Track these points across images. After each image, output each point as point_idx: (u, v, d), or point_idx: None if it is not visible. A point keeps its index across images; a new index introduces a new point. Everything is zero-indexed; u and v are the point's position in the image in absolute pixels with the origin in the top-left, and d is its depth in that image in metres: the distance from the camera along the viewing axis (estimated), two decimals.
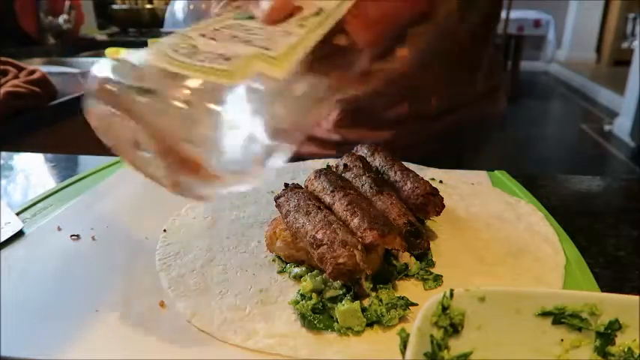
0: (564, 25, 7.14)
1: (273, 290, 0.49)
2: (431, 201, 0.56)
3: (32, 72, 1.39)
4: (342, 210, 0.50)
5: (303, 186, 0.58)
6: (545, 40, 5.46)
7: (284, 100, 0.41)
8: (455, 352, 0.35)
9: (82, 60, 2.20)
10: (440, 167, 0.77)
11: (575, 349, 0.36)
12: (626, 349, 0.35)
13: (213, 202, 0.60)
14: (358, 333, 0.43)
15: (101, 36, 2.82)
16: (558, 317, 0.36)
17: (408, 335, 0.33)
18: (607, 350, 0.36)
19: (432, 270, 0.51)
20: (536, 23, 5.43)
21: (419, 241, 0.52)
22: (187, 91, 0.36)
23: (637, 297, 0.36)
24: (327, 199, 0.53)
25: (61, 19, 2.44)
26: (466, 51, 0.80)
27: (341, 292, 0.45)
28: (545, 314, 0.36)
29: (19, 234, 0.60)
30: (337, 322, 0.43)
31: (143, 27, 2.99)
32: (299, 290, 0.47)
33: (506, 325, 0.36)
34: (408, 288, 0.49)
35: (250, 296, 0.48)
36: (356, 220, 0.48)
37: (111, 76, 0.39)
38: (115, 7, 3.05)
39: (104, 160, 0.84)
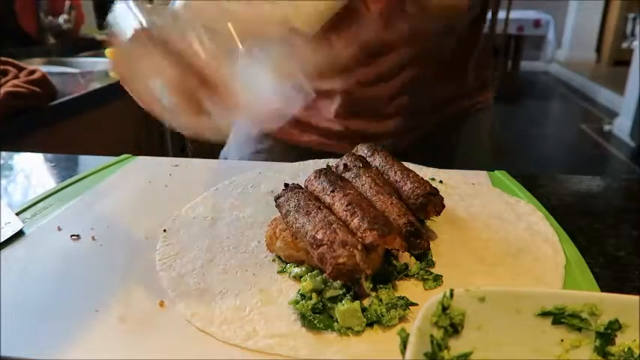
0: (564, 25, 7.14)
1: (273, 290, 0.49)
2: (431, 201, 0.56)
3: (32, 72, 1.39)
4: (342, 210, 0.50)
5: (303, 186, 0.58)
6: (545, 40, 5.47)
7: (302, 56, 0.47)
8: (455, 352, 0.35)
9: (82, 60, 2.20)
10: (437, 161, 0.78)
11: (575, 349, 0.36)
12: (626, 349, 0.35)
13: (226, 136, 0.60)
14: (358, 333, 0.43)
15: (101, 36, 2.82)
16: (558, 317, 0.36)
17: (408, 335, 0.33)
18: (607, 350, 0.36)
19: (432, 270, 0.51)
20: (536, 23, 5.43)
21: (419, 241, 0.52)
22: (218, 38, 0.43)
23: (637, 297, 0.36)
24: (327, 199, 0.53)
25: (61, 19, 2.44)
26: (461, 46, 0.84)
27: (341, 292, 0.45)
28: (545, 314, 0.36)
29: (19, 234, 0.60)
30: (337, 322, 0.43)
31: None
32: (299, 290, 0.47)
33: (506, 325, 0.36)
34: (408, 288, 0.49)
35: (250, 296, 0.48)
36: (356, 221, 0.48)
37: (146, 22, 0.43)
38: None
39: (104, 160, 0.84)
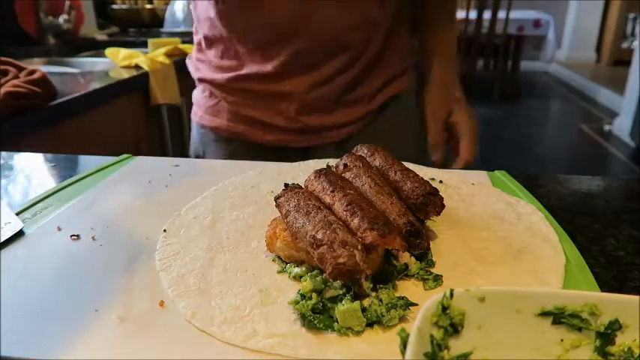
0: (564, 25, 7.14)
1: (273, 290, 0.49)
2: (431, 201, 0.56)
3: (32, 72, 1.39)
4: (342, 210, 0.50)
5: (303, 186, 0.58)
6: (545, 40, 5.46)
7: None
8: (455, 352, 0.35)
9: (82, 60, 2.20)
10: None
11: (575, 349, 0.36)
12: (626, 349, 0.35)
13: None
14: (358, 333, 0.43)
15: (101, 36, 2.82)
16: (558, 317, 0.36)
17: (408, 335, 0.33)
18: (607, 350, 0.36)
19: (432, 270, 0.51)
20: (536, 23, 5.43)
21: (419, 241, 0.52)
22: None
23: (637, 297, 0.36)
24: (327, 199, 0.53)
25: (61, 19, 2.44)
26: (391, 37, 0.99)
27: (341, 292, 0.45)
28: (545, 314, 0.36)
29: (19, 234, 0.60)
30: (337, 322, 0.43)
31: (143, 27, 2.99)
32: (299, 290, 0.47)
33: (506, 325, 0.36)
34: (408, 288, 0.49)
35: (250, 296, 0.48)
36: (356, 221, 0.48)
37: None
38: (115, 7, 3.05)
39: (104, 160, 0.84)
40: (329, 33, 0.90)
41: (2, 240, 0.58)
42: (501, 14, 5.20)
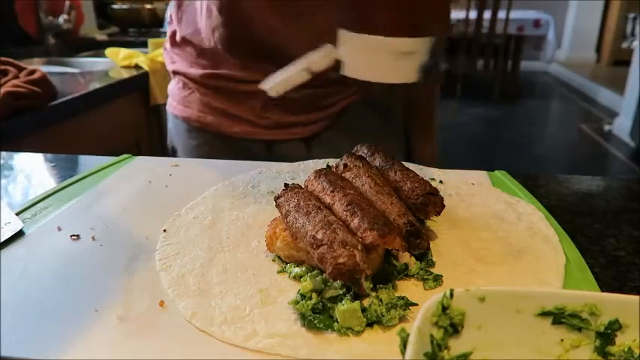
0: (564, 25, 7.14)
1: (273, 290, 0.49)
2: (431, 201, 0.56)
3: (32, 72, 1.39)
4: (342, 210, 0.50)
5: (303, 186, 0.58)
6: (545, 40, 5.46)
7: None
8: (455, 352, 0.35)
9: (82, 60, 2.20)
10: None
11: (575, 349, 0.36)
12: (626, 349, 0.35)
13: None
14: (358, 333, 0.43)
15: (101, 36, 2.82)
16: (558, 317, 0.36)
17: (408, 335, 0.33)
18: (607, 350, 0.36)
19: (432, 270, 0.51)
20: (536, 23, 5.43)
21: (419, 241, 0.52)
22: None
23: (637, 297, 0.36)
24: (327, 199, 0.53)
25: (61, 19, 2.44)
26: None
27: (341, 292, 0.45)
28: (545, 314, 0.36)
29: (19, 234, 0.60)
30: (337, 322, 0.43)
31: (143, 27, 2.99)
32: (299, 290, 0.47)
33: (506, 325, 0.36)
34: (408, 288, 0.49)
35: (250, 296, 0.48)
36: (356, 221, 0.48)
37: None
38: (115, 7, 3.04)
39: (104, 160, 0.84)
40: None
41: (2, 240, 0.58)
42: (501, 14, 5.20)
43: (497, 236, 0.58)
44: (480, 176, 0.77)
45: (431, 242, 0.55)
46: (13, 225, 0.61)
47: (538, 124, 4.94)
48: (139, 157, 0.86)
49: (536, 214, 0.63)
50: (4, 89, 1.24)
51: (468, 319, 0.36)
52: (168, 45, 1.07)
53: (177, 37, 1.02)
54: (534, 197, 0.69)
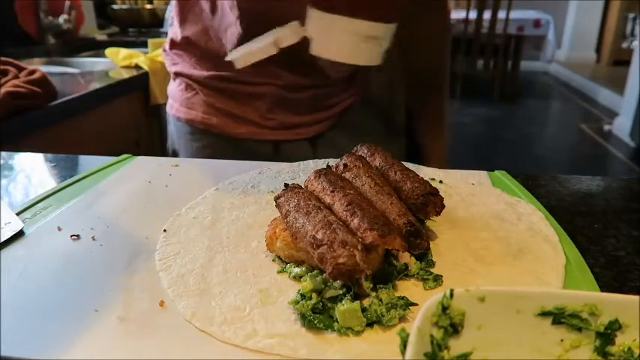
0: (564, 25, 7.14)
1: (273, 290, 0.49)
2: (431, 201, 0.56)
3: (32, 72, 1.39)
4: (342, 210, 0.50)
5: (303, 186, 0.58)
6: (545, 40, 5.45)
7: None
8: (455, 352, 0.35)
9: (82, 60, 2.20)
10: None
11: (575, 349, 0.36)
12: (626, 349, 0.35)
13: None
14: (358, 333, 0.43)
15: (101, 36, 2.82)
16: (558, 317, 0.36)
17: (408, 335, 0.33)
18: (607, 350, 0.36)
19: (432, 270, 0.51)
20: (536, 23, 5.42)
21: (419, 241, 0.52)
22: None
23: (637, 297, 0.36)
24: (327, 199, 0.53)
25: (61, 19, 2.44)
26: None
27: (341, 292, 0.45)
28: (545, 314, 0.36)
29: (19, 234, 0.60)
30: (337, 322, 0.43)
31: (143, 27, 2.99)
32: (299, 290, 0.47)
33: (506, 325, 0.36)
34: (408, 288, 0.49)
35: (250, 296, 0.48)
36: (356, 221, 0.48)
37: None
38: (115, 7, 3.04)
39: (104, 160, 0.84)
40: (319, 69, 0.94)
41: (2, 240, 0.58)
42: (501, 14, 5.20)
43: (497, 236, 0.58)
44: (480, 176, 0.77)
45: (431, 242, 0.55)
46: (13, 225, 0.61)
47: (538, 124, 4.94)
48: (139, 157, 0.86)
49: (536, 214, 0.63)
50: (4, 89, 1.24)
51: (468, 319, 0.36)
52: (167, 46, 1.06)
53: (180, 38, 1.01)
54: (534, 197, 0.69)
